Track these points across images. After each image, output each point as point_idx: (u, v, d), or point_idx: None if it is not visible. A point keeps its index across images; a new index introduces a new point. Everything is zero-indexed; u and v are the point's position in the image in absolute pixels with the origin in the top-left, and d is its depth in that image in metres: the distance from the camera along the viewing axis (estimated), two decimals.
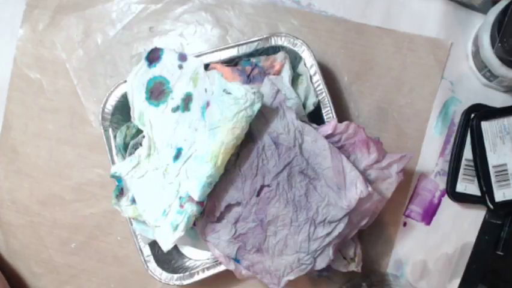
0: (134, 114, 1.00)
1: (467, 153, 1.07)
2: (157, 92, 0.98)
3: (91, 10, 1.18)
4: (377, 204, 0.95)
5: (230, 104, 0.89)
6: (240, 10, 1.16)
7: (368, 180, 0.92)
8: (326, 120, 1.02)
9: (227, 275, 1.00)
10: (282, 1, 1.15)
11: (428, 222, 1.11)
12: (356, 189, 0.90)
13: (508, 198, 1.04)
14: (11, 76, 1.18)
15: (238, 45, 1.04)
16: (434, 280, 1.10)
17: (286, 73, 1.02)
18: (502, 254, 1.05)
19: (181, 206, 0.92)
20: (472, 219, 1.10)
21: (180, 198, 0.92)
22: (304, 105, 1.02)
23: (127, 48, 1.18)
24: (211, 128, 0.91)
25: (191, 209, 0.90)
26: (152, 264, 1.03)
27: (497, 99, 1.10)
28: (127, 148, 1.04)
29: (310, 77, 1.02)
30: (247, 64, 1.02)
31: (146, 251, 1.03)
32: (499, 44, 0.95)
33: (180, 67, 0.98)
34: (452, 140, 1.10)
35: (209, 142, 0.90)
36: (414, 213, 1.11)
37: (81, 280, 1.16)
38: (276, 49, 1.04)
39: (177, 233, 0.91)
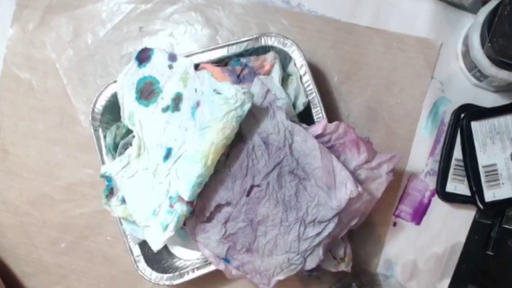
0: (124, 114, 1.00)
1: (457, 153, 1.07)
2: (147, 92, 0.98)
3: (81, 10, 1.18)
4: (367, 204, 0.95)
5: (220, 104, 0.89)
6: (230, 10, 1.16)
7: (358, 180, 0.92)
8: (315, 120, 1.02)
9: (217, 275, 1.00)
10: (272, 1, 1.15)
11: (418, 222, 1.11)
12: (346, 189, 0.90)
13: (497, 198, 1.04)
14: (0, 76, 1.18)
15: (228, 45, 1.04)
16: (424, 280, 1.10)
17: (276, 73, 1.02)
18: (492, 254, 1.05)
19: (171, 206, 0.92)
20: (462, 219, 1.10)
21: (170, 198, 0.92)
22: (294, 105, 1.02)
23: (117, 48, 1.17)
24: (201, 128, 0.91)
25: (181, 209, 0.90)
26: (142, 264, 1.03)
27: (487, 99, 1.10)
28: (117, 148, 1.04)
29: (300, 77, 1.02)
30: (237, 64, 1.03)
31: (136, 251, 1.03)
32: (489, 44, 0.95)
33: (170, 67, 0.98)
34: (442, 140, 1.10)
35: (199, 142, 0.90)
36: (404, 213, 1.11)
37: (71, 280, 1.16)
38: (266, 49, 1.04)
39: (167, 233, 0.91)
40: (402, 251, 1.11)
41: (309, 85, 1.02)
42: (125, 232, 1.02)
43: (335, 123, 0.93)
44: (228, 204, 0.94)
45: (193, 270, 1.02)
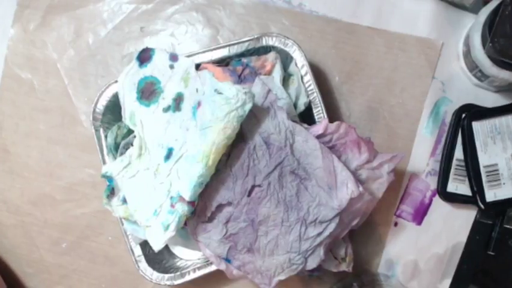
0: (125, 114, 1.00)
1: (458, 153, 1.07)
2: (148, 92, 0.98)
3: (82, 10, 1.18)
4: (368, 204, 0.95)
5: (221, 104, 0.89)
6: (231, 10, 1.16)
7: (359, 180, 0.92)
8: (316, 120, 1.02)
9: (218, 275, 1.00)
10: (273, 1, 1.15)
11: (419, 222, 1.11)
12: (347, 189, 0.90)
13: (498, 198, 1.04)
14: (2, 76, 1.18)
15: (229, 45, 1.04)
16: (425, 280, 1.10)
17: (278, 73, 1.02)
18: (493, 254, 1.05)
19: (172, 205, 0.91)
20: (463, 219, 1.10)
21: (171, 198, 0.92)
22: (295, 105, 1.02)
23: (118, 48, 1.17)
24: (202, 128, 0.91)
25: (182, 209, 0.90)
26: (143, 264, 1.03)
27: (488, 99, 1.10)
28: (118, 148, 1.04)
29: (302, 77, 1.02)
30: (238, 64, 1.02)
31: (137, 251, 1.03)
32: (490, 44, 0.95)
33: (171, 67, 0.98)
34: (443, 140, 1.10)
35: (200, 142, 0.90)
36: (405, 213, 1.11)
37: (72, 280, 1.15)
38: (267, 49, 1.04)
39: (168, 233, 0.91)
40: (403, 251, 1.11)
41: (310, 85, 1.02)
42: (126, 232, 1.02)
43: (336, 123, 0.93)
44: (229, 204, 0.93)
45: (194, 270, 1.02)
